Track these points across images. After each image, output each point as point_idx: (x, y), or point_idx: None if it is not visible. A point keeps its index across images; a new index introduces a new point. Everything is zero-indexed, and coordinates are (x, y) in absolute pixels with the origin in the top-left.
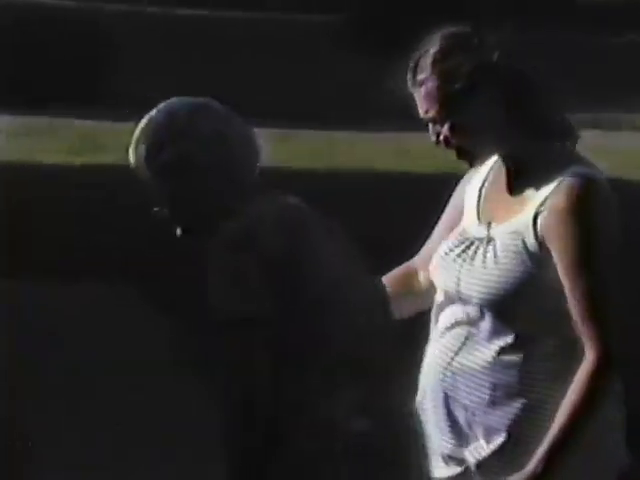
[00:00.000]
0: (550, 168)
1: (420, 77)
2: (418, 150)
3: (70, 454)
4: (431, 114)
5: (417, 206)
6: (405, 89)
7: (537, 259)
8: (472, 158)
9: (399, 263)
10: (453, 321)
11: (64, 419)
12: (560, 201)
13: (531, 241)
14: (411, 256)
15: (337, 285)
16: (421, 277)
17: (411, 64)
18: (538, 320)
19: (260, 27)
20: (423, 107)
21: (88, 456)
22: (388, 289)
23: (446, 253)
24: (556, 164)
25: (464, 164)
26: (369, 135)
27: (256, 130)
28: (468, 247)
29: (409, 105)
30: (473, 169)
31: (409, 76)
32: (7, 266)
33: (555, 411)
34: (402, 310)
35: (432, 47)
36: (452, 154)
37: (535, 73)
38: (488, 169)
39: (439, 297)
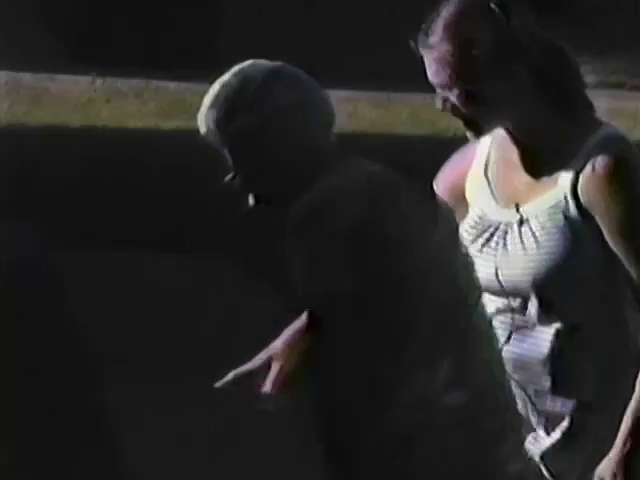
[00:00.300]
0: (575, 137)
1: (433, 39)
2: None
3: (163, 435)
4: (441, 78)
5: None
6: None
7: (581, 231)
8: (480, 130)
9: None
10: (494, 310)
11: (158, 396)
12: (604, 163)
13: (573, 213)
14: None
15: (433, 251)
16: None
17: (424, 25)
18: (586, 299)
19: None
20: (433, 70)
21: (180, 438)
22: None
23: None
24: (581, 132)
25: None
26: None
27: (356, 94)
28: (492, 234)
29: None
30: (462, 149)
31: (421, 37)
32: (102, 237)
33: (617, 391)
34: None
35: (453, 9)
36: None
37: (562, 44)
38: (487, 149)
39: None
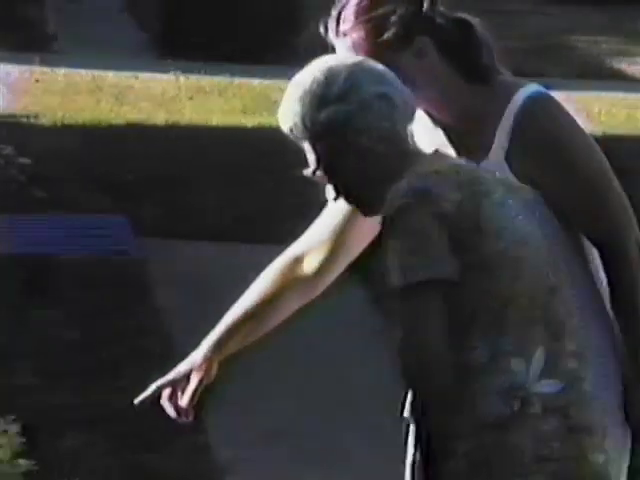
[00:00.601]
0: (494, 110)
1: (344, 27)
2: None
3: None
4: None
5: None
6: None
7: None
8: None
9: None
10: None
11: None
12: (528, 137)
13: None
14: None
15: (524, 241)
16: (312, 260)
17: (334, 12)
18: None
19: None
20: None
21: (270, 421)
22: (272, 288)
23: None
24: (499, 104)
25: None
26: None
27: None
28: None
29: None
30: None
31: (331, 26)
32: (185, 230)
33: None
34: (291, 309)
35: None
36: None
37: (471, 21)
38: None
39: None
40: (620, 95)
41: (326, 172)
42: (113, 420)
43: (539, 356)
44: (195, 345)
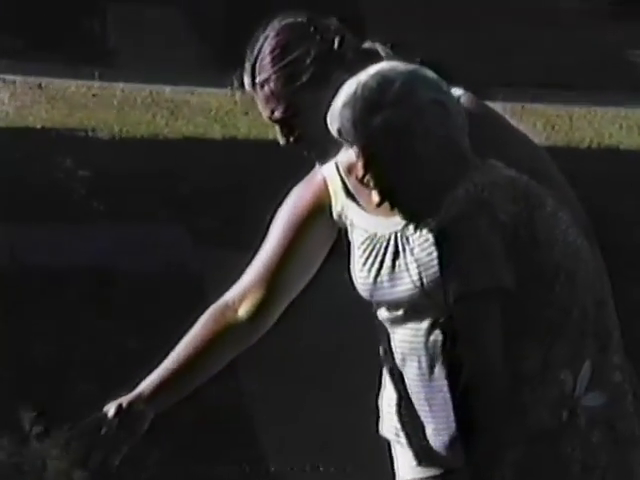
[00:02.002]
0: None
1: (260, 78)
2: None
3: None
4: (278, 115)
5: None
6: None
7: None
8: (325, 153)
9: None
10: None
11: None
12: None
13: None
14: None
15: (576, 253)
16: (247, 306)
17: (247, 65)
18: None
19: None
20: (267, 109)
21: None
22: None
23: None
24: None
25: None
26: (606, 109)
27: (492, 103)
28: (394, 247)
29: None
30: (303, 182)
31: (247, 80)
32: (242, 242)
33: None
34: (227, 358)
35: (268, 44)
36: None
37: (387, 50)
38: (336, 175)
39: None
40: None
41: (375, 176)
42: (169, 430)
43: (587, 368)
44: (252, 354)
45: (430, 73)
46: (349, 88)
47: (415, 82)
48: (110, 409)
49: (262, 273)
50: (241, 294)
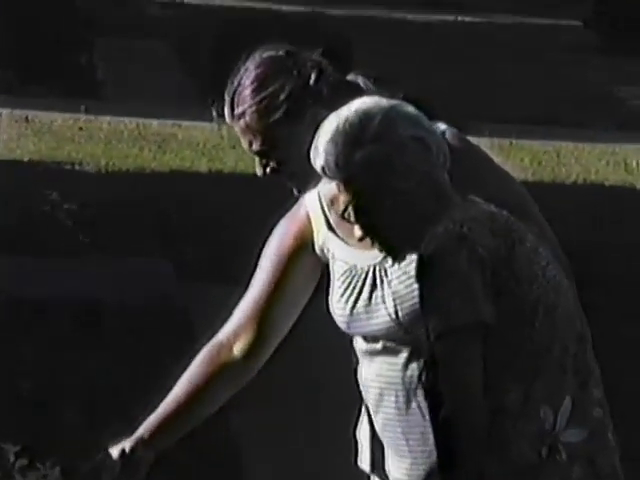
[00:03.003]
0: None
1: (238, 110)
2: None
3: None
4: (255, 147)
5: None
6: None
7: None
8: (305, 184)
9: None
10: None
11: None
12: None
13: None
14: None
15: (556, 289)
16: (240, 344)
17: (227, 97)
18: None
19: (479, 30)
20: (245, 141)
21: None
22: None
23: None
24: None
25: None
26: (593, 145)
27: (479, 139)
28: (372, 279)
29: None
30: (288, 215)
31: (227, 110)
32: (228, 274)
33: None
34: (225, 397)
35: (246, 77)
36: None
37: (370, 84)
38: (318, 208)
39: None
40: None
41: (356, 212)
42: (159, 464)
43: (567, 404)
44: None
45: (410, 109)
46: (330, 124)
47: (395, 118)
48: (113, 454)
49: (253, 311)
50: (234, 333)
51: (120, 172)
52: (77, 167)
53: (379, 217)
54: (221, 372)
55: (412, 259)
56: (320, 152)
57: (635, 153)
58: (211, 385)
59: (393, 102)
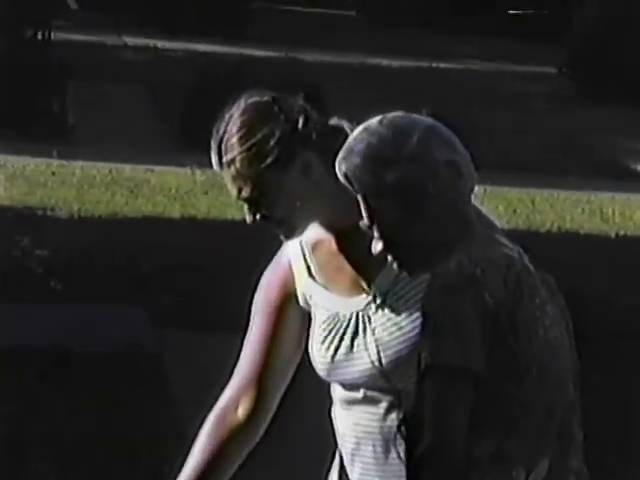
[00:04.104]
0: None
1: (227, 158)
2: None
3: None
4: (245, 194)
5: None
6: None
7: None
8: (293, 230)
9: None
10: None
11: None
12: None
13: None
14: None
15: (554, 352)
16: (244, 405)
17: (214, 144)
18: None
19: (453, 77)
20: (234, 188)
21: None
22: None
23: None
24: None
25: None
26: (568, 193)
27: None
28: (354, 326)
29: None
30: (271, 266)
31: (214, 158)
32: (201, 321)
33: None
34: (240, 458)
35: (233, 123)
36: None
37: (344, 128)
38: (300, 256)
39: None
40: (635, 196)
41: (381, 229)
42: None
43: (542, 467)
44: None
45: (445, 130)
46: (362, 137)
47: (432, 139)
48: None
49: (250, 373)
50: (235, 398)
51: (92, 217)
52: (49, 212)
53: (402, 236)
54: (230, 438)
55: (396, 306)
56: (346, 162)
57: (611, 201)
58: (224, 453)
59: (428, 121)
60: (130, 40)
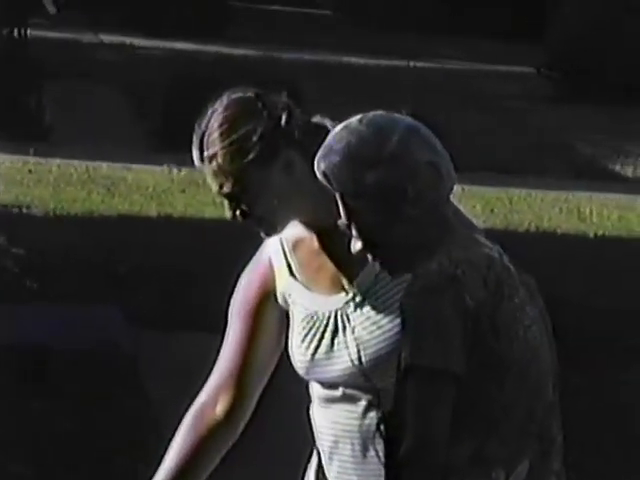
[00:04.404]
0: None
1: (208, 153)
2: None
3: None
4: (226, 190)
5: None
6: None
7: None
8: (274, 228)
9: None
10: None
11: None
12: None
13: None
14: None
15: (534, 352)
16: (222, 403)
17: (196, 139)
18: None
19: (431, 77)
20: (216, 183)
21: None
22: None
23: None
24: None
25: None
26: (545, 193)
27: None
28: (333, 324)
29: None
30: (249, 266)
31: (196, 153)
32: (177, 320)
33: None
34: (218, 456)
35: (215, 119)
36: None
37: (332, 124)
38: (281, 255)
39: None
40: (613, 196)
41: (359, 229)
42: None
43: (522, 469)
44: None
45: (425, 130)
46: (341, 136)
47: (412, 140)
48: None
49: (229, 371)
50: (214, 396)
51: (69, 216)
52: (25, 211)
53: (381, 236)
54: (208, 436)
55: (376, 305)
56: (326, 161)
57: (588, 201)
58: (201, 450)
59: (408, 121)
60: (107, 38)
